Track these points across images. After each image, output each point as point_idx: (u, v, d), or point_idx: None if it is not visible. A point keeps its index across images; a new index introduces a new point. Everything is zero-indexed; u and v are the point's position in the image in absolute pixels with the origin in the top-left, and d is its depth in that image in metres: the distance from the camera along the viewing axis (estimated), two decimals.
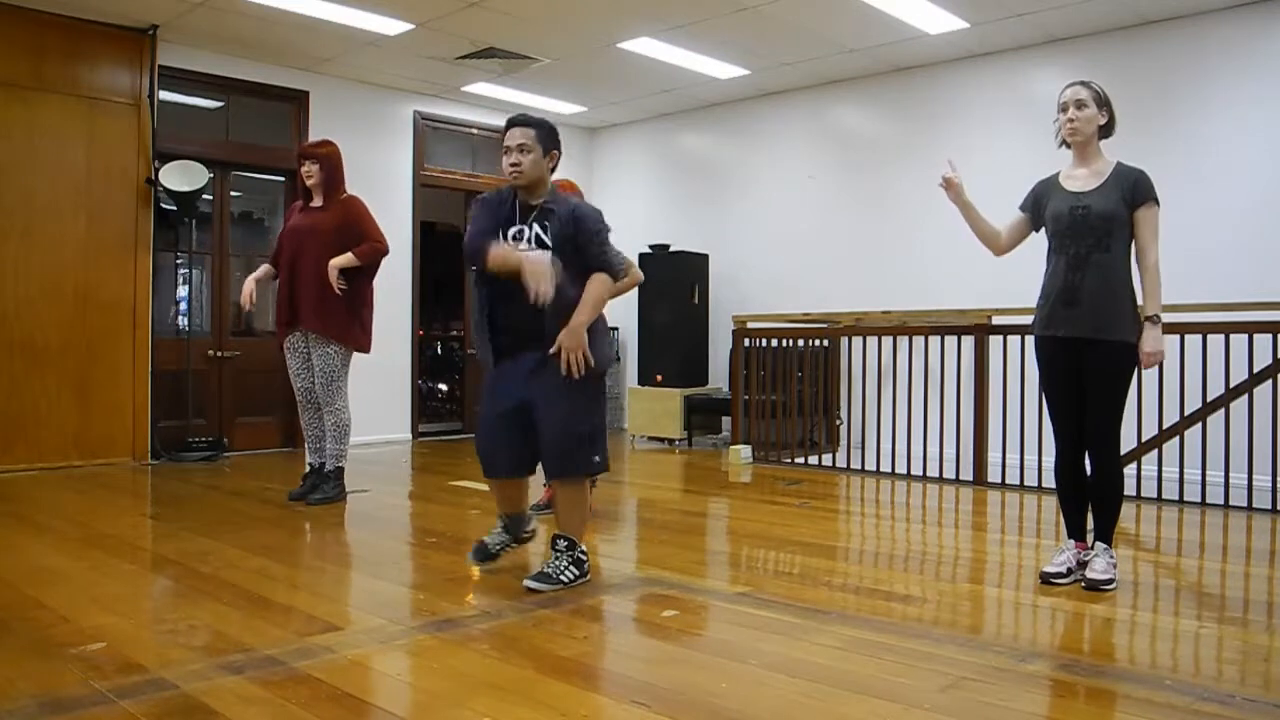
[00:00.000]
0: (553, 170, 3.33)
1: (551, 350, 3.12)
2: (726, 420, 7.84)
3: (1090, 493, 3.35)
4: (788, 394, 6.62)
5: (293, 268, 4.76)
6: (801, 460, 6.53)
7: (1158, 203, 3.27)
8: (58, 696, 2.20)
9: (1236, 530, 4.34)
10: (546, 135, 3.27)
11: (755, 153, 8.11)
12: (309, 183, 4.81)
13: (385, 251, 4.83)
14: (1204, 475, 4.85)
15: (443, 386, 9.26)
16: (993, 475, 5.56)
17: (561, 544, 3.25)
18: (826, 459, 6.56)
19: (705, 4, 5.87)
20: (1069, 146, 3.37)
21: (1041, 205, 3.41)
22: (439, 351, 9.37)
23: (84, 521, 4.42)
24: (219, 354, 6.96)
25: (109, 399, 6.28)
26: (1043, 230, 3.44)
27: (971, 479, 5.61)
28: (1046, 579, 3.30)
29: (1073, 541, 3.39)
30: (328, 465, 4.87)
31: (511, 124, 3.27)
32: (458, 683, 2.32)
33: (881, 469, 6.05)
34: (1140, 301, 3.27)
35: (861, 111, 7.53)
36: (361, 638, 2.67)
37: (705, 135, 8.48)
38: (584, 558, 3.28)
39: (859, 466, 6.26)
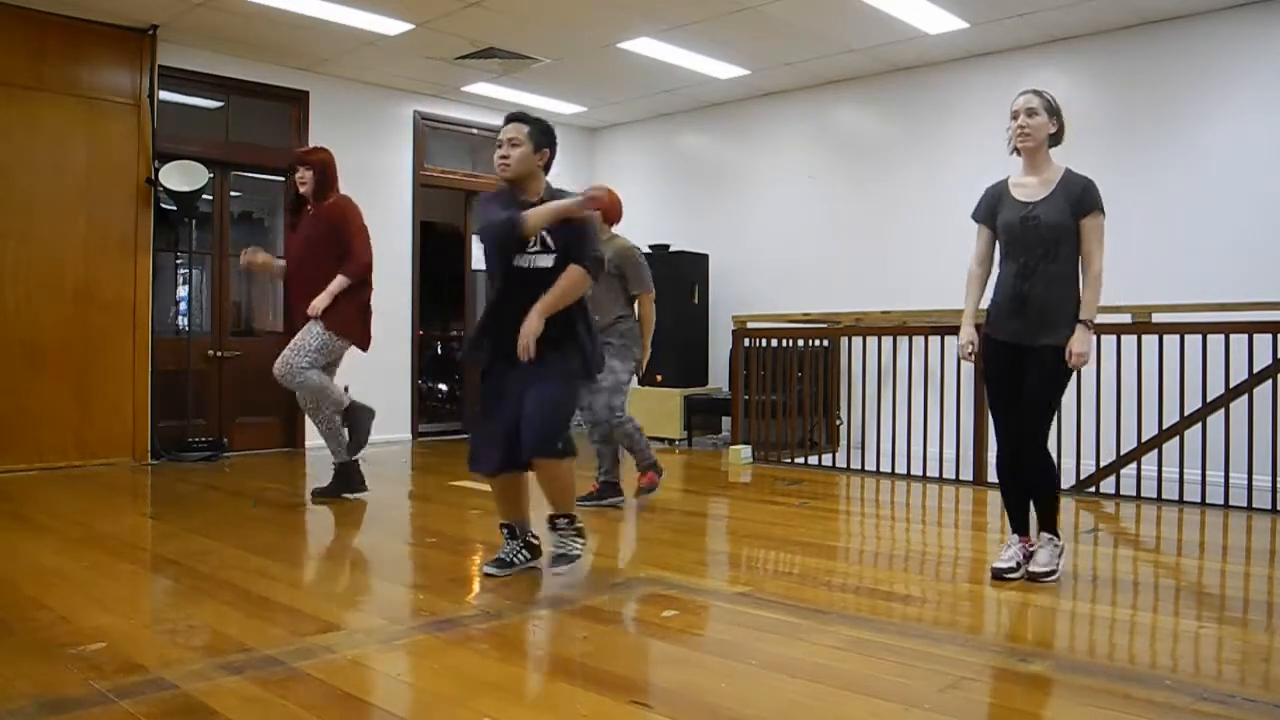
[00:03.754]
0: (544, 168, 3.36)
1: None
2: (726, 420, 7.84)
3: (1029, 487, 3.45)
4: (788, 394, 6.62)
5: (293, 278, 4.83)
6: (801, 460, 6.53)
7: (1103, 212, 3.34)
8: (58, 696, 2.20)
9: (1236, 530, 4.34)
10: (538, 133, 3.32)
11: (755, 153, 8.11)
12: (302, 189, 4.79)
13: (363, 268, 4.73)
14: (1204, 475, 4.85)
15: (442, 386, 9.25)
16: (993, 475, 5.53)
17: (561, 522, 3.36)
18: (826, 459, 6.56)
19: (705, 4, 5.87)
20: (1019, 153, 3.44)
21: (994, 213, 3.48)
22: (439, 351, 9.37)
23: (84, 521, 4.42)
24: (219, 354, 6.96)
25: (109, 399, 6.28)
26: None
27: (971, 479, 5.61)
28: (998, 574, 3.37)
29: (1016, 536, 3.48)
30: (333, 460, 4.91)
31: (506, 120, 3.36)
32: (458, 683, 2.32)
33: (881, 469, 6.05)
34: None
35: (861, 111, 7.53)
36: (361, 638, 2.67)
37: (705, 135, 8.48)
38: (581, 524, 3.41)
39: (859, 466, 6.26)
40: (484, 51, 6.82)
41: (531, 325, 3.20)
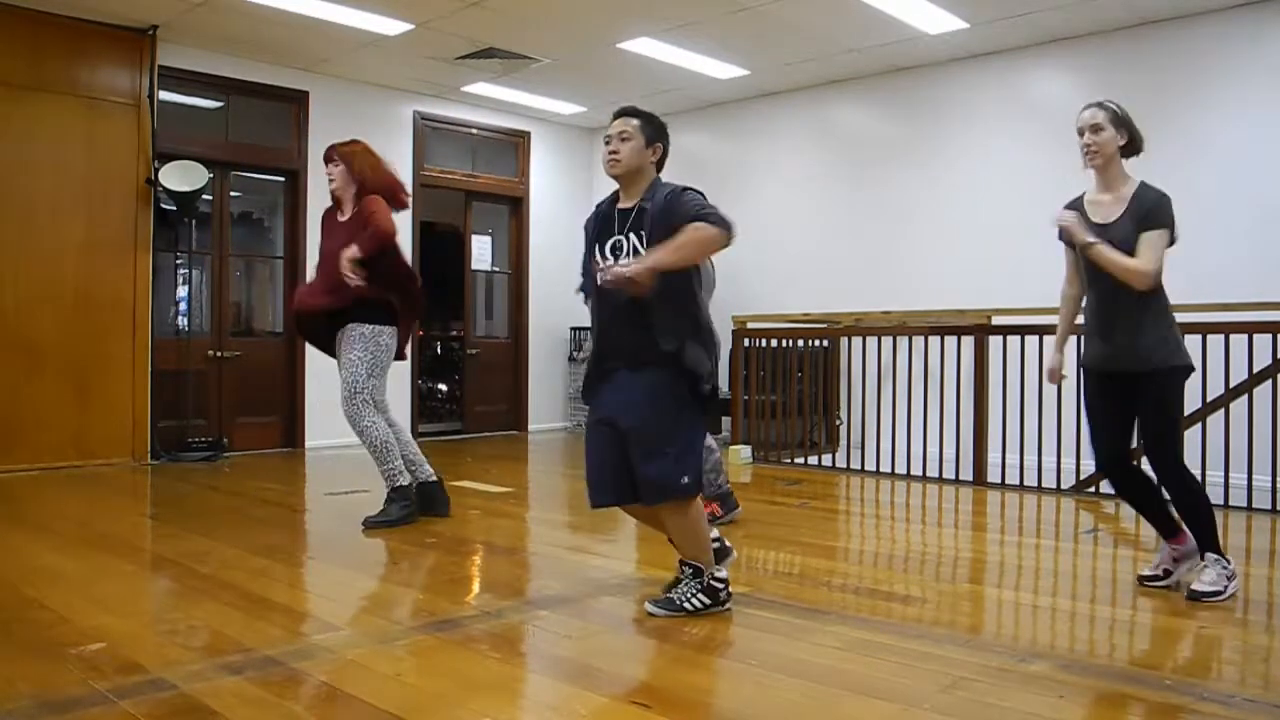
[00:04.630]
0: (658, 166, 3.10)
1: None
2: (726, 420, 7.83)
3: (1176, 508, 3.23)
4: (788, 394, 6.62)
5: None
6: (801, 460, 6.53)
7: (1166, 228, 3.19)
8: (58, 696, 2.20)
9: (1236, 530, 4.34)
10: (651, 127, 3.06)
11: (755, 153, 8.11)
12: (331, 188, 4.33)
13: (380, 236, 4.11)
14: (1204, 475, 4.83)
15: (443, 386, 9.25)
16: (993, 475, 5.55)
17: (687, 571, 2.95)
18: (826, 459, 6.56)
19: (705, 4, 5.87)
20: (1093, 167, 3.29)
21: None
22: (439, 351, 9.36)
23: (84, 521, 4.42)
24: (219, 354, 6.96)
25: (109, 399, 6.28)
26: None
27: (971, 479, 5.61)
28: (1142, 581, 3.26)
29: (1163, 541, 3.28)
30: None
31: (616, 114, 3.07)
32: (458, 683, 2.32)
33: (881, 469, 6.05)
34: (1169, 324, 3.26)
35: (861, 111, 7.53)
36: (361, 638, 2.67)
37: (705, 135, 8.48)
38: (718, 585, 2.90)
39: (859, 466, 6.26)
40: (484, 51, 6.82)
41: (639, 268, 2.66)
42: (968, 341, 5.61)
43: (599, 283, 2.79)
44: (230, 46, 6.72)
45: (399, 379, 7.82)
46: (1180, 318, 5.09)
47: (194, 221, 6.72)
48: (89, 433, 6.20)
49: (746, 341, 6.77)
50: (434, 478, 4.45)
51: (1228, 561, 3.13)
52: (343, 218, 4.32)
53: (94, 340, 6.24)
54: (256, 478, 5.85)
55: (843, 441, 7.09)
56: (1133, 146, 3.26)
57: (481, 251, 8.73)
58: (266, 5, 5.88)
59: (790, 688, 2.29)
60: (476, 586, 3.40)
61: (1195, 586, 3.09)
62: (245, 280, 7.48)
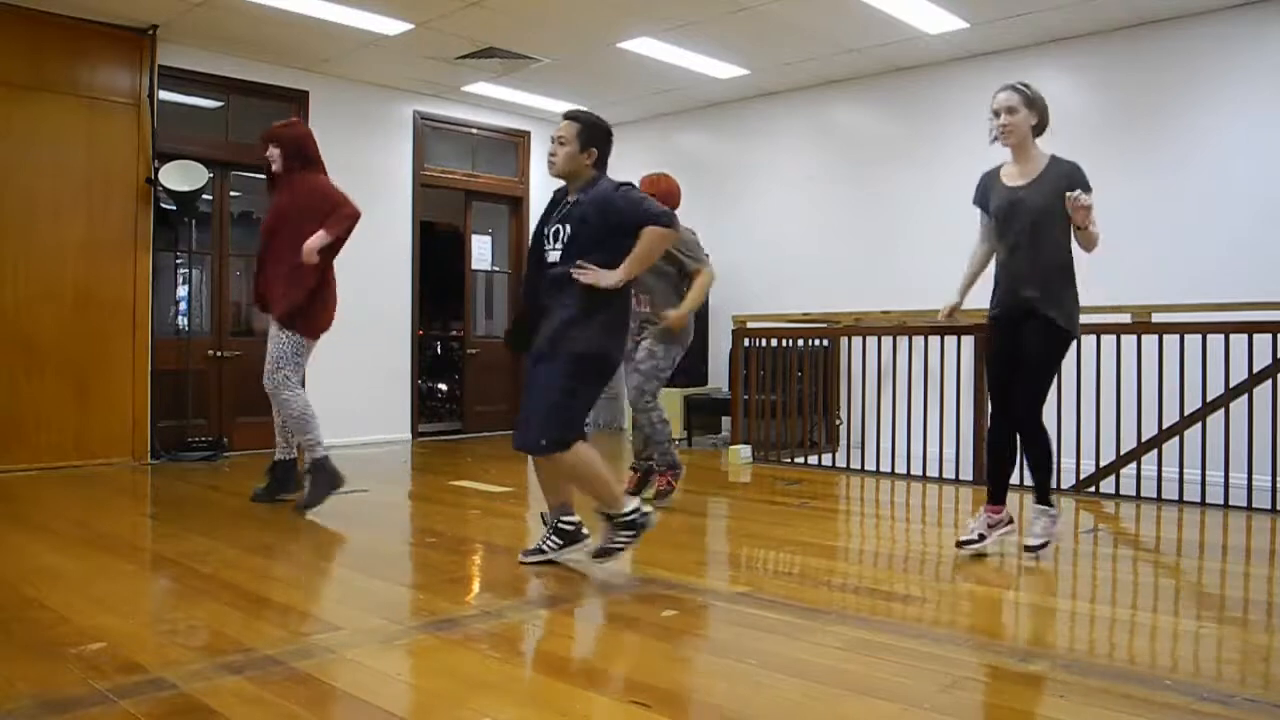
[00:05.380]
0: (594, 167, 3.37)
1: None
2: (726, 420, 7.84)
3: (1028, 459, 3.65)
4: (788, 394, 6.62)
5: (261, 260, 4.63)
6: (801, 460, 6.53)
7: (1089, 190, 3.45)
8: (58, 696, 2.20)
9: (1236, 530, 4.34)
10: (586, 130, 3.35)
11: (755, 153, 8.11)
12: (273, 167, 4.59)
13: (356, 216, 4.51)
14: (1204, 475, 4.85)
15: (443, 386, 9.25)
16: None
17: (601, 518, 3.37)
18: (826, 459, 6.56)
19: (705, 4, 5.87)
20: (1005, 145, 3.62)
21: (987, 199, 3.71)
22: (439, 351, 9.36)
23: (84, 521, 4.42)
24: (219, 354, 6.96)
25: (109, 399, 6.28)
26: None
27: (971, 479, 5.61)
28: (961, 545, 3.68)
29: (986, 507, 3.75)
30: (305, 459, 4.63)
31: (563, 117, 3.42)
32: (458, 683, 2.32)
33: (881, 469, 6.05)
34: (1075, 291, 3.59)
35: (861, 111, 7.53)
36: (361, 638, 2.67)
37: (705, 135, 8.48)
38: (632, 516, 3.33)
39: (859, 466, 6.26)
40: (484, 51, 6.82)
41: (605, 277, 3.21)
42: (968, 341, 5.61)
43: (571, 275, 3.25)
44: (230, 46, 6.72)
45: (399, 379, 7.84)
46: (1181, 318, 5.11)
47: (194, 221, 6.73)
48: (89, 432, 6.20)
49: (746, 341, 6.77)
50: (293, 456, 4.84)
51: (1055, 511, 3.68)
52: (282, 193, 4.59)
53: (94, 340, 6.24)
54: (256, 478, 5.83)
55: (843, 441, 7.09)
56: (1041, 127, 3.62)
57: (481, 251, 8.73)
58: (266, 5, 5.88)
59: (790, 688, 2.29)
60: (476, 586, 3.40)
61: (1028, 541, 3.58)
62: (245, 280, 7.46)
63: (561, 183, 3.46)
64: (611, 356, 3.34)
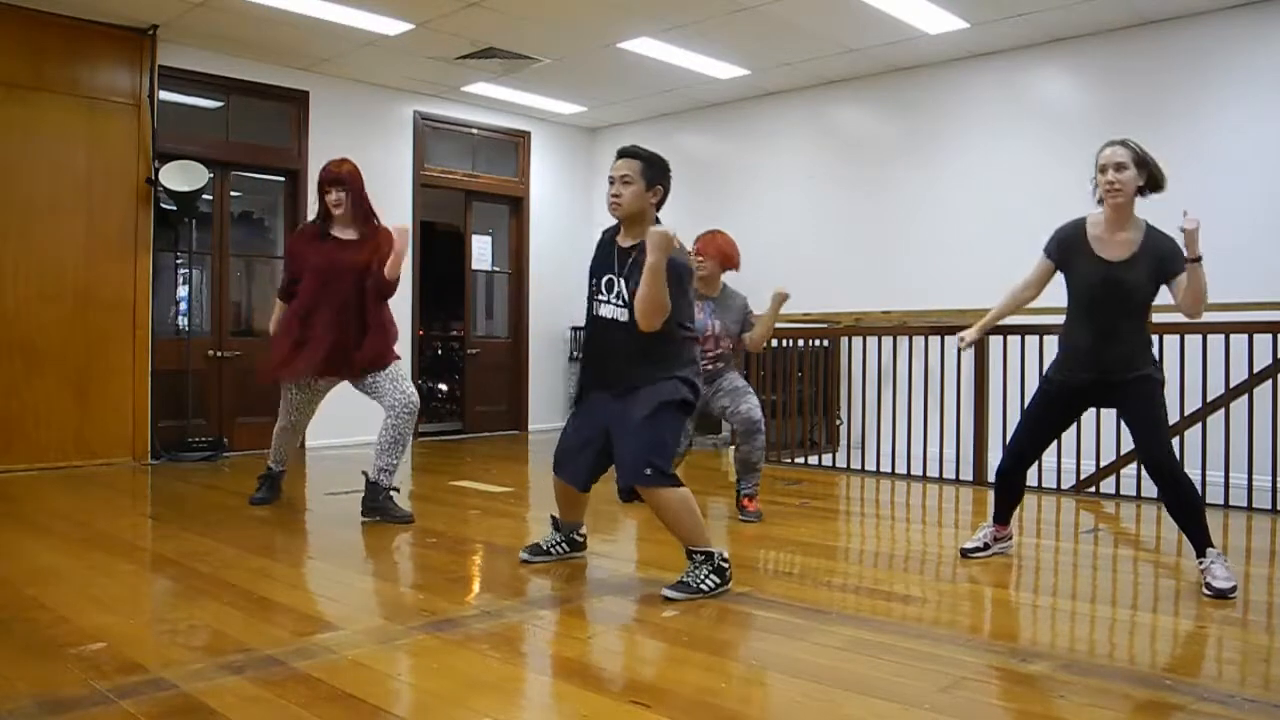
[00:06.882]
0: (657, 206, 3.27)
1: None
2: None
3: (1170, 507, 3.34)
4: (788, 394, 6.61)
5: (323, 310, 4.35)
6: (801, 460, 6.53)
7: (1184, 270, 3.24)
8: (58, 696, 2.20)
9: (1236, 530, 4.34)
10: (650, 168, 3.22)
11: (755, 153, 8.11)
12: (336, 211, 4.39)
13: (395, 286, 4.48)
14: (1204, 475, 4.84)
15: (443, 387, 9.25)
16: (992, 475, 5.53)
17: (698, 556, 3.13)
18: (826, 459, 6.56)
19: (705, 4, 5.87)
20: (1103, 204, 3.35)
21: (1068, 259, 3.42)
22: (439, 352, 9.36)
23: (84, 521, 4.42)
24: (219, 354, 6.96)
25: (109, 399, 6.28)
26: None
27: (971, 479, 5.61)
28: (965, 554, 3.71)
29: (992, 523, 3.79)
30: (383, 480, 4.52)
31: (618, 154, 3.26)
32: (458, 683, 2.32)
33: (881, 469, 6.05)
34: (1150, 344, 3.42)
35: (861, 111, 7.53)
36: (361, 638, 2.67)
37: (705, 135, 8.48)
38: (725, 565, 3.14)
39: (859, 466, 6.26)
40: (484, 51, 6.82)
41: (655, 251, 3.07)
42: None
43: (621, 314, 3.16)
44: (230, 46, 6.72)
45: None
46: (1180, 317, 5.09)
47: (194, 221, 6.72)
48: (89, 432, 6.20)
49: None
50: (282, 470, 4.89)
51: (1217, 549, 3.29)
52: (346, 235, 4.46)
53: (94, 340, 6.24)
54: (256, 478, 5.84)
55: (843, 441, 7.09)
56: (1147, 188, 3.31)
57: (482, 251, 8.73)
58: (266, 5, 5.88)
59: (790, 688, 2.29)
60: (476, 586, 3.40)
61: (1216, 584, 3.13)
62: (245, 280, 7.47)
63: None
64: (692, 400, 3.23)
